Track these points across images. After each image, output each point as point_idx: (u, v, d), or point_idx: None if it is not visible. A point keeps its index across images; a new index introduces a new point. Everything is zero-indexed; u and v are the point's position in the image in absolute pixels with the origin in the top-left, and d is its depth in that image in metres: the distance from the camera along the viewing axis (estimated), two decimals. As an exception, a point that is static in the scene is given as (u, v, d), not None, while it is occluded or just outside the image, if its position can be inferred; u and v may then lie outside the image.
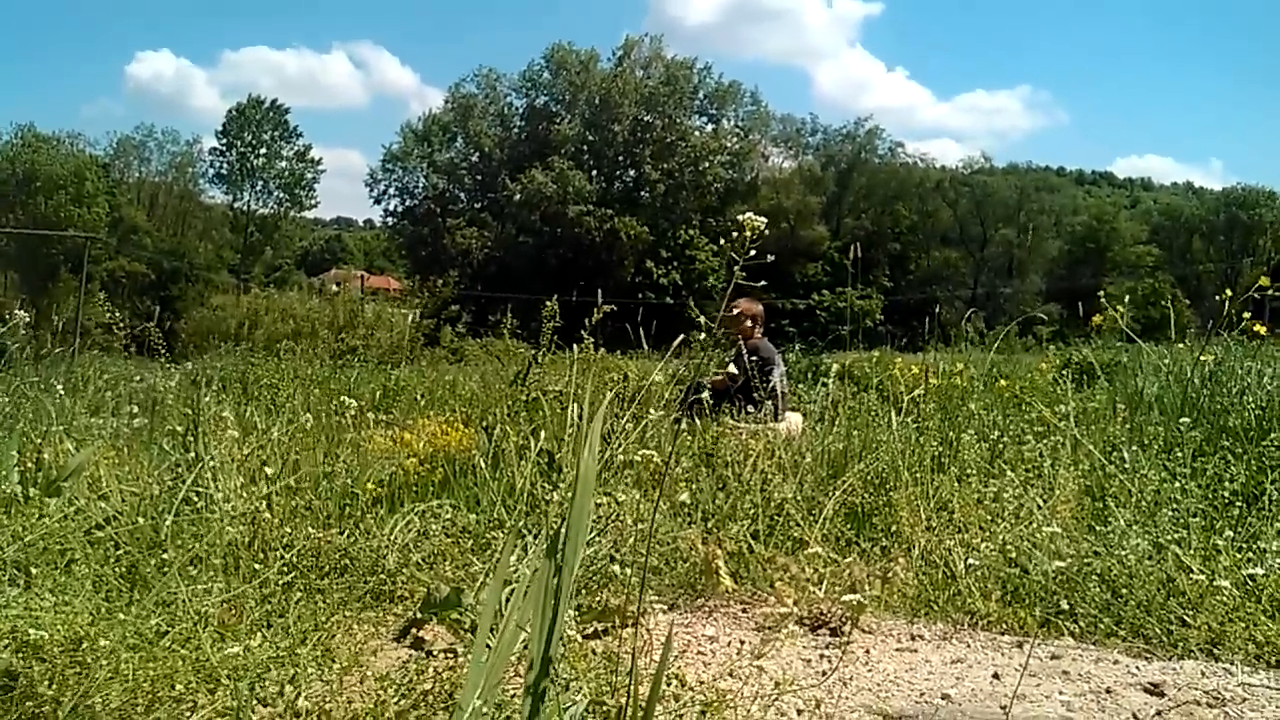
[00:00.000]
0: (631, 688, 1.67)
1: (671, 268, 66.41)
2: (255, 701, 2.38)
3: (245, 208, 74.61)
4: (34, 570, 2.90)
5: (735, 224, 1.86)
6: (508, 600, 2.36)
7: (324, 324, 29.45)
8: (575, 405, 6.37)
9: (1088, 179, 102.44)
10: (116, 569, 3.13)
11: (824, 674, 2.94)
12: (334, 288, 42.18)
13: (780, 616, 3.33)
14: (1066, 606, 3.64)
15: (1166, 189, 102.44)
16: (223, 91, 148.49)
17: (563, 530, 1.39)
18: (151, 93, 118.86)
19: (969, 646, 3.34)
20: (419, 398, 11.30)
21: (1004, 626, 3.62)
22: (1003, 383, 6.48)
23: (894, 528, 4.42)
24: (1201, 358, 6.25)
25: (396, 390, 12.27)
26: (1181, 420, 5.12)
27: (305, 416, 5.51)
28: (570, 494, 1.42)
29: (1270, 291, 6.08)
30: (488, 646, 1.46)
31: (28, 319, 4.50)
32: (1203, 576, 3.57)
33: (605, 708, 2.30)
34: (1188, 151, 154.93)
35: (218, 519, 3.52)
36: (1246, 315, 6.36)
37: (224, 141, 73.44)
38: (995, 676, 2.99)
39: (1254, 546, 3.85)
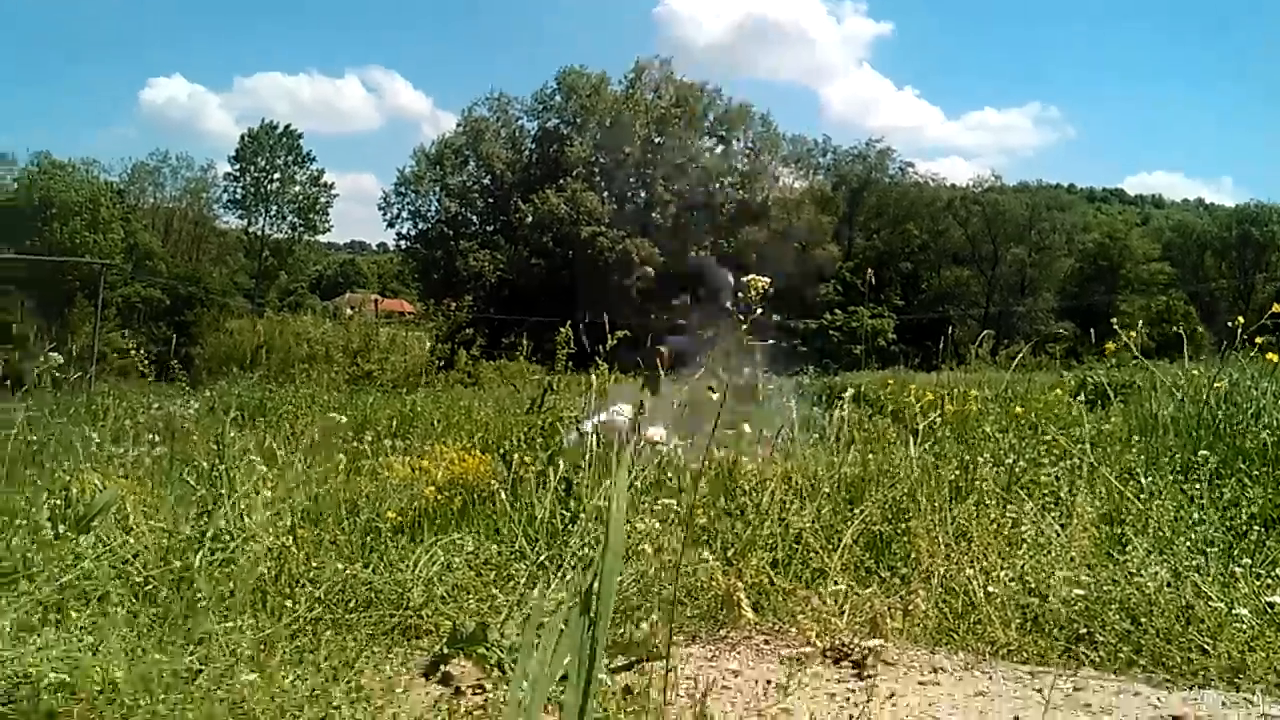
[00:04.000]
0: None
1: (684, 288, 66.47)
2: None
3: (259, 232, 75.15)
4: (69, 611, 2.95)
5: (741, 284, 1.91)
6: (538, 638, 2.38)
7: (339, 348, 29.56)
8: (597, 419, 6.42)
9: (1098, 196, 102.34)
10: (148, 607, 3.18)
11: (851, 716, 2.96)
12: (348, 311, 42.40)
13: (804, 652, 3.36)
14: (1086, 634, 3.66)
15: (1178, 206, 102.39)
16: (236, 116, 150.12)
17: (594, 584, 1.43)
18: (165, 118, 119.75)
19: (990, 679, 3.36)
20: (435, 424, 11.35)
21: (1024, 655, 3.64)
22: (1018, 409, 6.47)
23: (913, 556, 4.43)
24: (1216, 383, 6.25)
25: (413, 416, 12.33)
26: (1200, 451, 5.12)
27: (338, 457, 5.53)
28: (601, 545, 1.46)
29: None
30: (522, 691, 1.49)
31: (60, 360, 4.55)
32: (1221, 604, 3.58)
33: None
34: (1199, 168, 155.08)
35: (245, 555, 3.56)
36: (1259, 340, 6.38)
37: (238, 166, 74.07)
38: (1021, 710, 3.00)
39: (1272, 573, 3.86)
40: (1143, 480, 4.94)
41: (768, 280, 1.94)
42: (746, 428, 6.05)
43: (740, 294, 1.93)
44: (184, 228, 74.09)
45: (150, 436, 8.17)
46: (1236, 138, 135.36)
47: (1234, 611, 3.50)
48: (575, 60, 74.79)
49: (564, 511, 4.95)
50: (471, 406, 13.78)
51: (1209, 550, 4.04)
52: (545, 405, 6.44)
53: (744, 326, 1.92)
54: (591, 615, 1.42)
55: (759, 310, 1.92)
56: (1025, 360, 9.89)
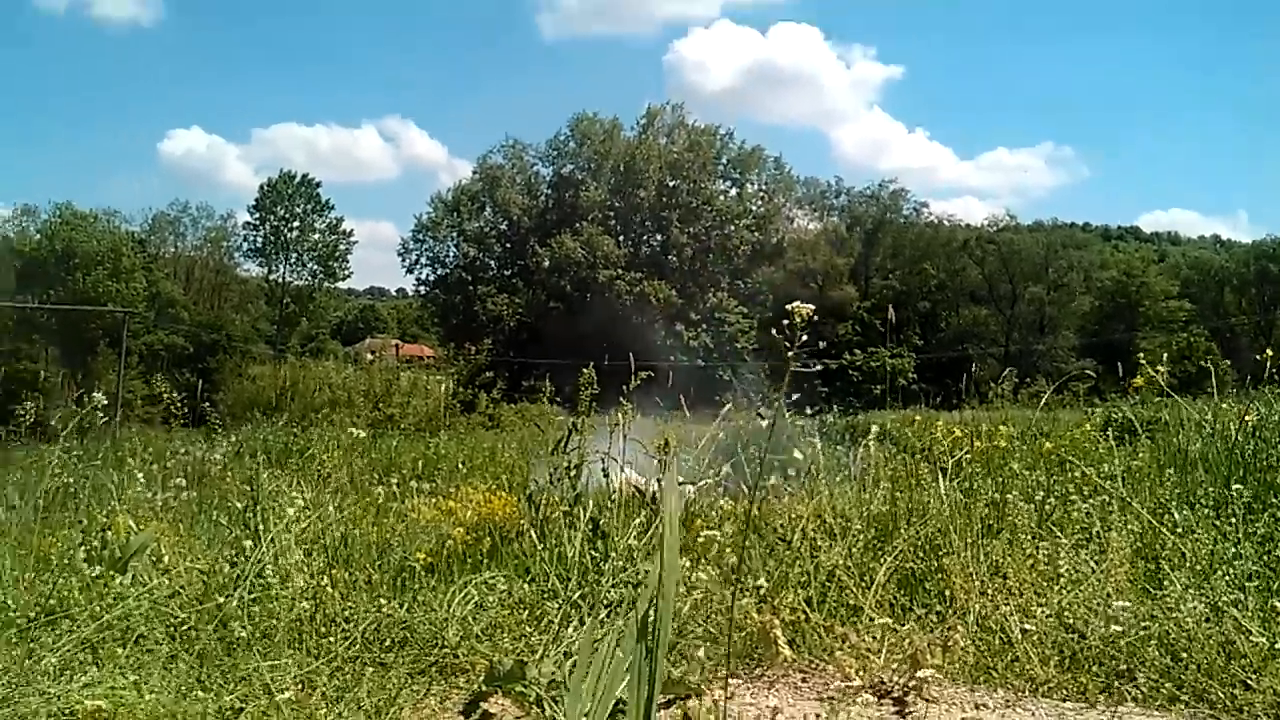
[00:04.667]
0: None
1: (701, 330, 66.67)
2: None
3: (280, 280, 75.75)
4: (110, 648, 2.96)
5: (785, 313, 1.91)
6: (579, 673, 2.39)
7: (360, 393, 29.68)
8: (620, 471, 6.41)
9: (1114, 234, 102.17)
10: (187, 646, 3.18)
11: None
12: (369, 356, 42.54)
13: (844, 689, 3.33)
14: (1126, 670, 3.62)
15: (1194, 242, 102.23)
16: (255, 167, 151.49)
17: (650, 614, 1.43)
18: (184, 169, 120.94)
19: (1033, 715, 3.33)
20: (460, 465, 11.37)
21: (1065, 693, 3.60)
22: (1048, 444, 6.44)
23: (947, 593, 4.40)
24: (1246, 417, 6.21)
25: (437, 459, 12.36)
26: (1235, 486, 5.08)
27: (377, 493, 5.54)
28: (657, 575, 1.46)
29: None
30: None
31: (104, 401, 4.58)
32: (1263, 639, 3.55)
33: None
34: (1213, 204, 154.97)
35: (283, 595, 3.57)
36: (1288, 372, 6.36)
37: (257, 216, 74.84)
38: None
39: (1314, 608, 3.82)
40: (1176, 515, 4.90)
41: (812, 307, 1.94)
42: (797, 454, 6.02)
43: (785, 322, 1.93)
44: (205, 276, 74.76)
45: (178, 480, 8.22)
46: (1251, 172, 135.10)
47: (1276, 646, 3.46)
48: (588, 107, 75.34)
49: (593, 551, 4.94)
50: (495, 448, 13.81)
51: (1248, 585, 4.00)
52: (570, 446, 6.44)
53: (789, 354, 1.92)
54: (649, 643, 1.42)
55: (804, 338, 1.91)
56: (1048, 398, 9.85)
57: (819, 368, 2.02)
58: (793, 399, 2.12)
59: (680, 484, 6.30)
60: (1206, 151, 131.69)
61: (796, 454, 6.31)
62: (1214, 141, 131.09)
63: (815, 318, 2.04)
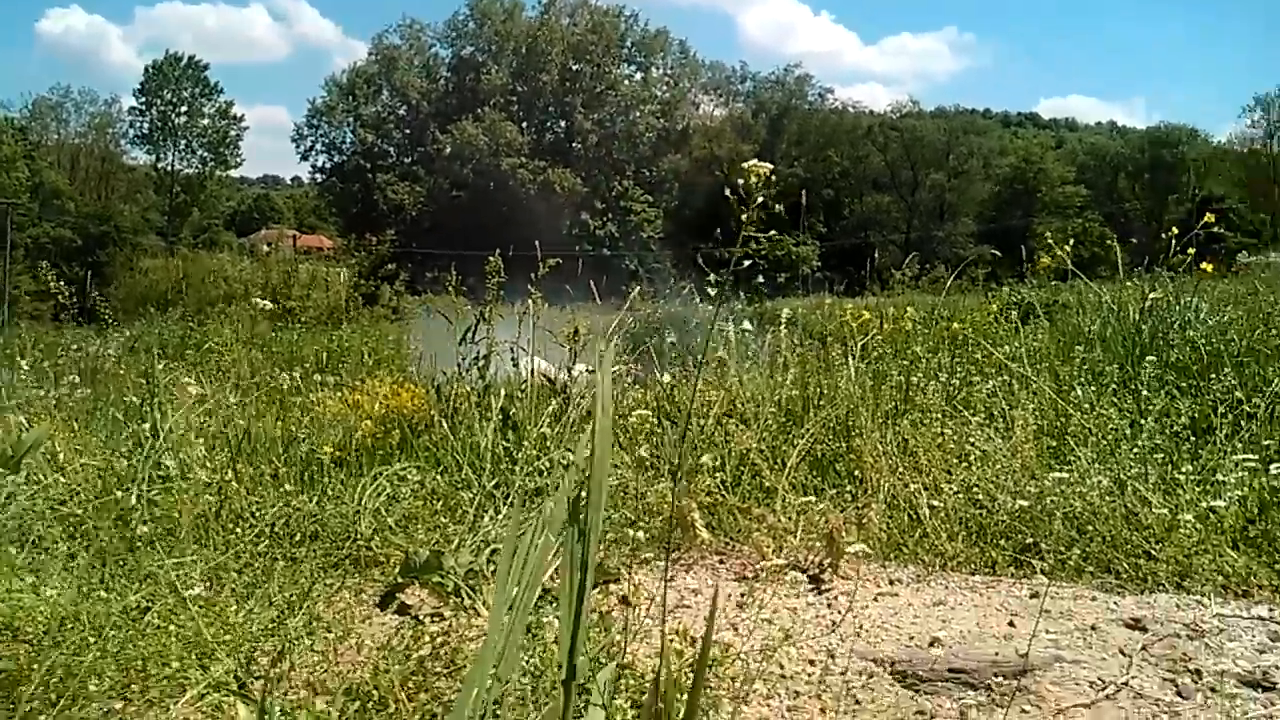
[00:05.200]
0: (663, 646, 1.67)
1: (607, 219, 66.28)
2: (249, 676, 2.35)
3: (169, 168, 72.97)
4: (4, 550, 2.83)
5: (740, 171, 1.80)
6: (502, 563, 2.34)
7: (257, 286, 28.96)
8: (529, 360, 6.33)
9: (1013, 121, 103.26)
10: (87, 546, 3.06)
11: (824, 625, 2.97)
12: (265, 248, 41.51)
13: (764, 567, 3.35)
14: (1033, 544, 3.71)
15: (1091, 129, 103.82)
16: (139, 48, 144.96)
17: (582, 494, 1.37)
18: (65, 50, 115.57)
19: (946, 588, 3.39)
20: (365, 358, 11.19)
21: (974, 567, 3.68)
22: (955, 325, 6.52)
23: (858, 473, 4.45)
24: (1151, 295, 6.35)
25: (341, 352, 12.14)
26: (1147, 358, 5.20)
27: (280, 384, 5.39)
28: (589, 454, 1.40)
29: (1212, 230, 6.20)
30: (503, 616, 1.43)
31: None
32: (1165, 510, 3.65)
33: (631, 669, 2.31)
34: (1111, 90, 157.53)
35: (185, 490, 3.45)
36: (1190, 252, 6.49)
37: (143, 100, 71.67)
38: (981, 618, 3.04)
39: (1212, 479, 3.94)
40: (1080, 392, 5.01)
41: (769, 166, 1.84)
42: (722, 354, 6.00)
43: (740, 182, 1.82)
44: (91, 165, 71.62)
45: (71, 378, 7.94)
46: (1149, 59, 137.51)
47: (1178, 517, 3.57)
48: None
49: (505, 442, 4.89)
50: (401, 340, 13.62)
51: (1150, 459, 4.10)
52: (479, 336, 6.33)
53: (745, 218, 1.82)
54: (581, 526, 1.37)
55: (760, 200, 1.81)
56: (950, 283, 9.98)
57: (773, 234, 1.93)
58: (739, 278, 2.01)
59: (589, 372, 6.26)
60: (1107, 38, 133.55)
61: (746, 324, 6.31)
62: (1115, 28, 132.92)
63: (773, 177, 1.93)
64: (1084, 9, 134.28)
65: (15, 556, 2.77)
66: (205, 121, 72.69)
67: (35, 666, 2.30)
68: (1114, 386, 5.06)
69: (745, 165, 1.82)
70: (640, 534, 3.44)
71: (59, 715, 2.20)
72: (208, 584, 2.93)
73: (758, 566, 3.48)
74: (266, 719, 2.01)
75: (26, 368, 6.06)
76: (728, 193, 1.78)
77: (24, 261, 54.14)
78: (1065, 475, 3.97)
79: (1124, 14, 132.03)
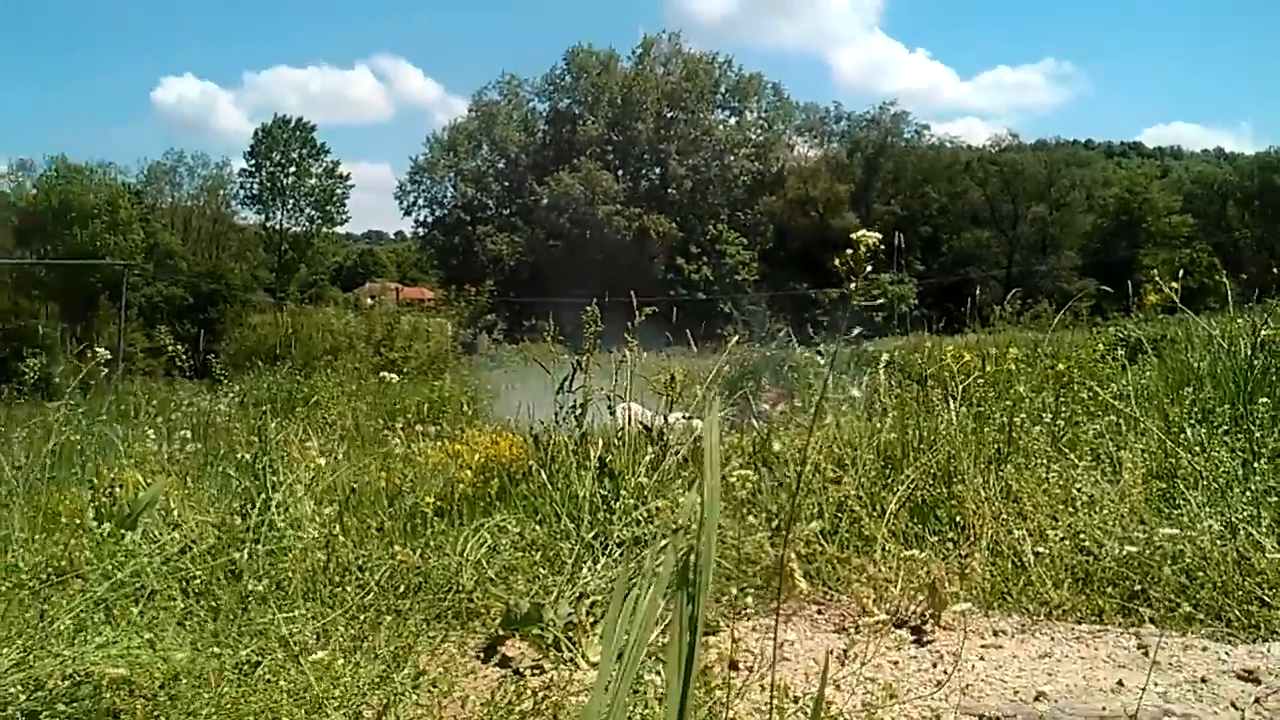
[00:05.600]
0: (771, 701, 1.67)
1: (702, 263, 66.46)
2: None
3: (277, 226, 75.30)
4: (124, 607, 2.94)
5: (851, 232, 1.82)
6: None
7: (361, 338, 29.62)
8: (625, 409, 6.37)
9: (1116, 151, 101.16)
10: (201, 602, 3.17)
11: (928, 681, 2.93)
12: (369, 301, 42.42)
13: (865, 621, 3.33)
14: (1141, 591, 3.61)
15: (1197, 156, 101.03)
16: (249, 112, 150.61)
17: (692, 557, 1.39)
18: (178, 117, 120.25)
19: (1052, 639, 3.32)
20: (465, 408, 11.38)
21: (1080, 615, 3.60)
22: (1060, 366, 6.40)
23: (959, 520, 4.38)
24: (1261, 332, 6.15)
25: (442, 402, 12.35)
26: (1261, 400, 5.04)
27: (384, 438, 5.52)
28: (700, 514, 1.42)
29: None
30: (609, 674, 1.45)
31: (109, 355, 4.55)
32: (1278, 555, 3.53)
33: None
34: (1216, 116, 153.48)
35: (296, 545, 3.55)
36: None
37: (253, 162, 74.22)
38: (1088, 670, 2.97)
39: (1330, 523, 3.80)
40: (1190, 434, 4.87)
41: (878, 236, 1.85)
42: (855, 392, 5.98)
43: (850, 252, 1.84)
44: (202, 225, 74.32)
45: (183, 433, 8.21)
46: (1254, 83, 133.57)
47: (1292, 562, 3.45)
48: (583, 39, 74.63)
49: (602, 490, 4.92)
50: (499, 389, 13.81)
51: (1264, 501, 3.97)
52: (576, 385, 6.40)
53: (854, 288, 1.83)
54: (690, 587, 1.39)
55: (869, 269, 1.82)
56: (1057, 320, 9.80)
57: (880, 301, 1.93)
58: (850, 332, 2.02)
59: (686, 419, 6.27)
60: (1210, 64, 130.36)
61: (854, 392, 6.28)
62: (1217, 53, 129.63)
63: (882, 246, 1.94)
64: (1185, 34, 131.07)
65: (134, 613, 2.88)
66: (312, 181, 74.95)
67: (153, 720, 2.39)
68: (1225, 426, 4.90)
69: (854, 236, 1.83)
70: (742, 594, 3.43)
71: (176, 768, 2.28)
72: (316, 638, 3.01)
73: (859, 620, 3.45)
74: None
75: (148, 429, 6.30)
76: (837, 263, 1.80)
77: (138, 320, 56.28)
78: (1176, 530, 3.86)
79: (1226, 38, 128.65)
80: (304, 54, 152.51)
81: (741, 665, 2.91)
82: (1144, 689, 2.60)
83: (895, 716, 2.66)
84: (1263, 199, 73.03)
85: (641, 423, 6.17)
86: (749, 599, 3.62)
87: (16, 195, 66.21)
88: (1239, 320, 6.89)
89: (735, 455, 5.49)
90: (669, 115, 72.03)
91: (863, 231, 1.82)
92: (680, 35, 76.31)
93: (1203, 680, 2.84)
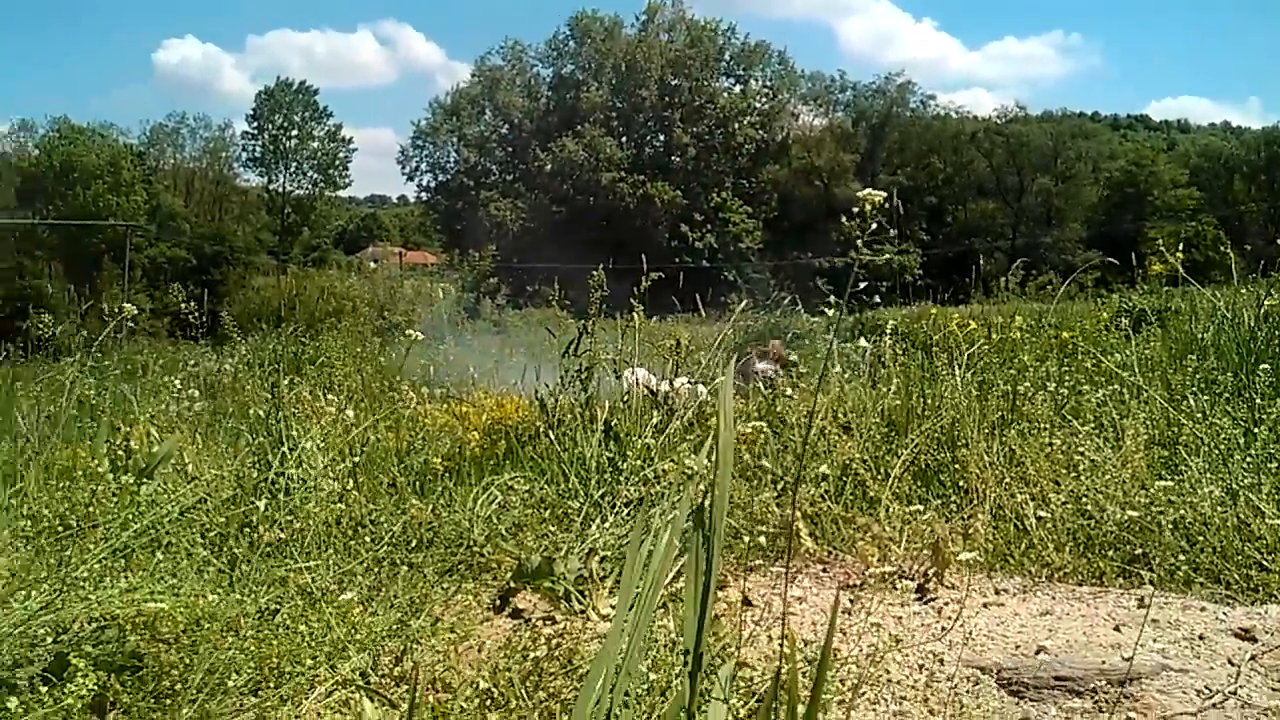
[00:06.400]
0: (786, 649, 1.73)
1: (706, 231, 66.36)
2: (375, 673, 2.47)
3: (280, 189, 75.21)
4: (144, 555, 3.01)
5: (856, 202, 1.83)
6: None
7: (365, 301, 29.67)
8: (631, 372, 6.43)
9: (1123, 123, 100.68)
10: (218, 552, 3.23)
11: (931, 633, 3.00)
12: (372, 264, 42.43)
13: (870, 575, 3.39)
14: (1142, 554, 3.67)
15: (1204, 130, 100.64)
16: (251, 75, 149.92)
17: (708, 502, 1.44)
18: (180, 79, 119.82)
19: (1054, 599, 3.38)
20: (472, 370, 11.41)
21: (1081, 577, 3.66)
22: (1065, 334, 6.44)
23: (963, 484, 4.44)
24: (1265, 302, 6.19)
25: (446, 365, 12.37)
26: (1261, 367, 5.09)
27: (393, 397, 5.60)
28: (712, 464, 1.47)
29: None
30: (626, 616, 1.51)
31: (135, 310, 4.61)
32: (1278, 521, 3.58)
33: (749, 670, 2.38)
34: (1224, 90, 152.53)
35: (311, 500, 3.61)
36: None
37: (255, 125, 74.01)
38: (1088, 627, 3.03)
39: (1329, 489, 3.85)
40: (1193, 402, 4.92)
41: (884, 194, 1.85)
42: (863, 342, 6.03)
43: (856, 210, 1.85)
44: (205, 188, 74.21)
45: (192, 392, 8.27)
46: (1263, 58, 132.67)
47: (1292, 527, 3.50)
48: (587, 5, 74.09)
49: (608, 453, 4.98)
50: (503, 354, 13.85)
51: (1265, 468, 4.02)
52: (581, 349, 6.44)
53: (861, 245, 1.84)
54: (706, 532, 1.44)
55: (874, 226, 1.83)
56: (1057, 290, 9.83)
57: (887, 257, 1.96)
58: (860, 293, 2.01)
59: (692, 383, 6.33)
60: (1218, 37, 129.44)
61: (863, 342, 6.31)
62: (1226, 27, 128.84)
63: (887, 204, 1.94)
64: (1194, 8, 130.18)
65: (153, 562, 2.94)
66: (315, 144, 74.79)
67: (175, 662, 2.45)
68: (1227, 395, 4.95)
69: (861, 194, 1.84)
70: (752, 539, 3.49)
71: (199, 709, 2.34)
72: (334, 587, 3.08)
73: (864, 574, 3.51)
74: (393, 713, 2.12)
75: (173, 381, 6.37)
76: (844, 219, 1.80)
77: (141, 281, 56.27)
78: (1173, 484, 3.92)
79: (1235, 11, 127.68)
80: (307, 18, 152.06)
81: (749, 619, 2.98)
82: (1140, 644, 2.66)
83: (899, 665, 2.72)
84: (1269, 173, 72.77)
85: (647, 387, 6.22)
86: (755, 556, 3.69)
87: (19, 157, 66.08)
88: (1243, 292, 6.92)
89: (740, 420, 5.54)
90: (673, 82, 71.64)
91: (868, 190, 1.83)
92: (685, 1, 75.87)
93: (1200, 638, 2.90)
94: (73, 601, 2.59)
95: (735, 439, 4.63)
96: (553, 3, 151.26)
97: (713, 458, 1.46)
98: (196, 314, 6.05)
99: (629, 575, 1.46)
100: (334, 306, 29.34)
